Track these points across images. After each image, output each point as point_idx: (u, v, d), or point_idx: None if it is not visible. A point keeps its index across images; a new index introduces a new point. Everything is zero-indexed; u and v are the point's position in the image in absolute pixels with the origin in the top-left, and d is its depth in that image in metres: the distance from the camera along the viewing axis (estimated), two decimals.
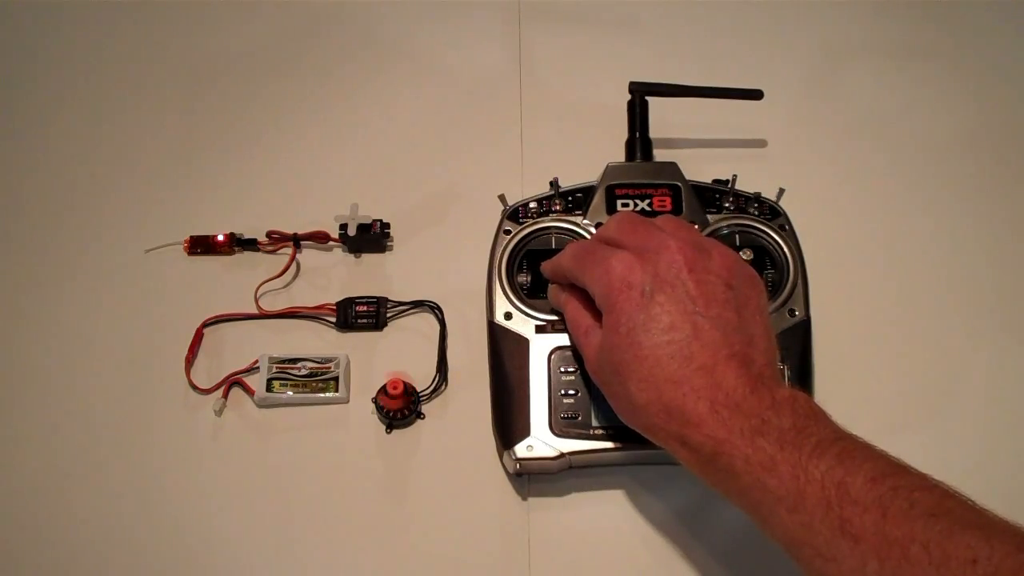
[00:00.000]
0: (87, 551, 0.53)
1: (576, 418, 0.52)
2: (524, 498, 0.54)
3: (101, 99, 0.69)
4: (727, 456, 0.40)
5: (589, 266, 0.47)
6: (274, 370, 0.57)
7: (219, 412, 0.57)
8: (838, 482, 0.37)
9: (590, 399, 0.52)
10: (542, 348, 0.53)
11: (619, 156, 0.62)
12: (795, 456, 0.38)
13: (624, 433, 0.51)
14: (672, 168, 0.59)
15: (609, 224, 0.49)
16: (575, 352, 0.52)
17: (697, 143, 0.66)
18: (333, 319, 0.59)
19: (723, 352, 0.42)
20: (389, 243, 0.62)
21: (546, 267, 0.54)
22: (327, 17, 0.73)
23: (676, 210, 0.57)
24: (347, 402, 0.57)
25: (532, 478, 0.55)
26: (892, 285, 0.61)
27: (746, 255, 0.55)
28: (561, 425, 0.52)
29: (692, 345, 0.42)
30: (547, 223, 0.57)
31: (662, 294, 0.43)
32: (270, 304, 0.60)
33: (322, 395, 0.57)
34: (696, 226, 0.49)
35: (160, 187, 0.65)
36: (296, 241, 0.61)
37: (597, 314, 0.47)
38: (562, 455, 0.51)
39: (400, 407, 0.55)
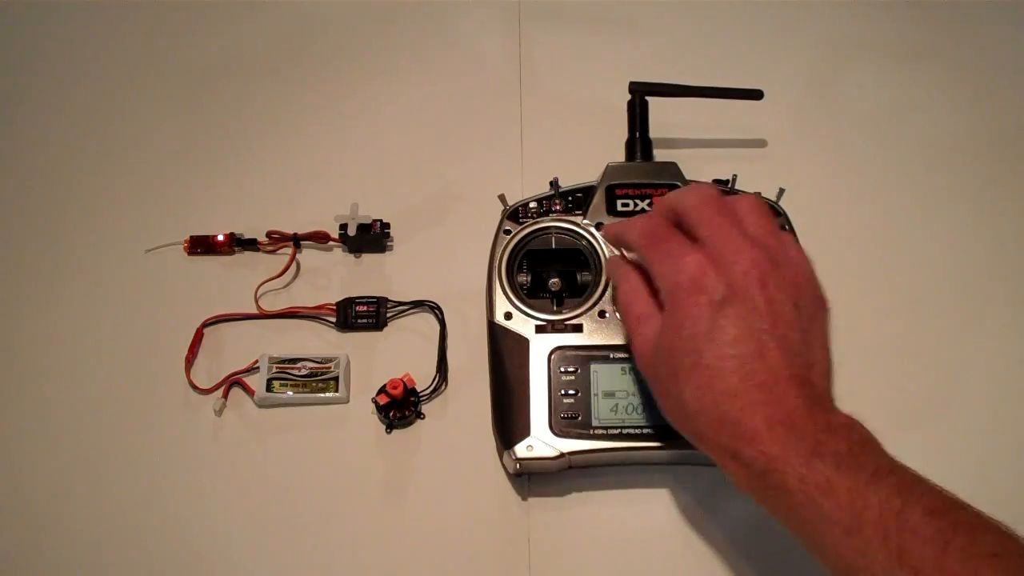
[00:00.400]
0: (87, 551, 0.53)
1: (576, 418, 0.52)
2: (524, 498, 0.54)
3: (101, 99, 0.69)
4: (780, 473, 0.40)
5: (661, 255, 0.46)
6: (274, 370, 0.57)
7: (219, 412, 0.57)
8: (897, 511, 0.37)
9: (589, 396, 0.52)
10: (542, 348, 0.53)
11: (619, 156, 0.62)
12: (852, 481, 0.38)
13: (624, 433, 0.51)
14: (672, 168, 0.59)
15: (689, 197, 0.47)
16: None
17: (697, 143, 0.66)
18: (333, 319, 0.59)
19: (784, 373, 0.42)
20: (389, 243, 0.62)
21: (610, 230, 0.53)
22: (327, 17, 0.73)
23: None
24: (347, 402, 0.57)
25: (532, 478, 0.55)
26: (892, 284, 0.61)
27: None
28: (561, 425, 0.52)
29: (755, 363, 0.42)
30: (547, 223, 0.57)
31: (731, 307, 0.43)
32: (270, 304, 0.60)
33: (322, 395, 0.57)
34: (772, 217, 0.47)
35: (160, 187, 0.65)
36: (296, 241, 0.61)
37: (653, 300, 0.47)
38: (562, 455, 0.51)
39: (399, 407, 0.55)
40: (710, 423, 0.42)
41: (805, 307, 0.44)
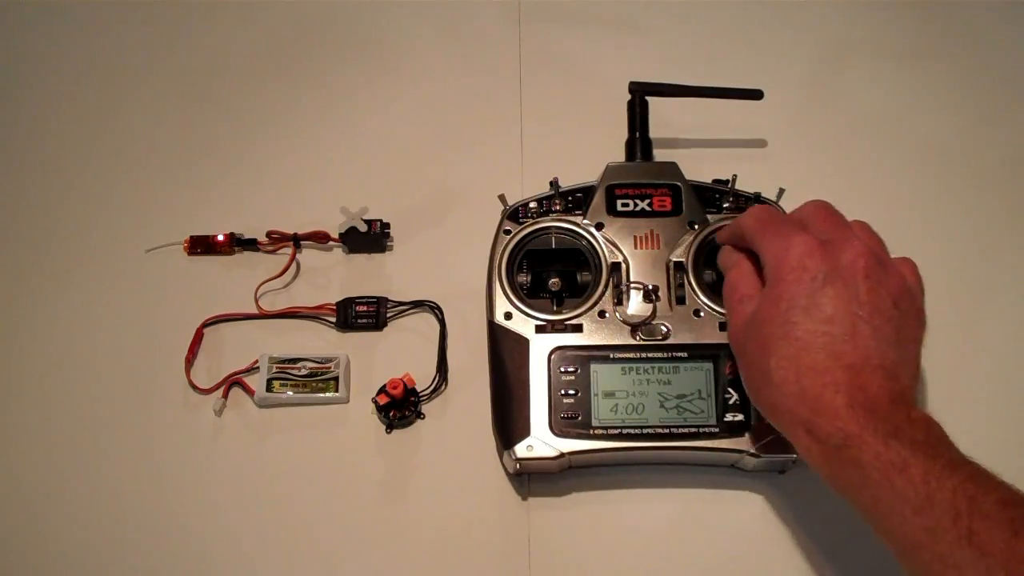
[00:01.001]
0: (87, 551, 0.54)
1: (576, 418, 0.52)
2: (524, 498, 0.54)
3: (101, 99, 0.69)
4: (855, 449, 0.40)
5: (770, 235, 0.47)
6: (274, 370, 0.57)
7: (219, 412, 0.57)
8: (970, 496, 0.37)
9: (589, 396, 0.52)
10: (542, 348, 0.53)
11: (619, 156, 0.62)
12: (928, 463, 0.39)
13: (624, 433, 0.51)
14: (672, 168, 0.59)
15: (804, 206, 0.49)
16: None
17: (697, 143, 0.66)
18: (333, 319, 0.59)
19: (873, 360, 0.42)
20: (389, 243, 0.62)
21: (724, 232, 0.54)
22: (327, 17, 0.73)
23: (676, 210, 0.57)
24: (347, 402, 0.57)
25: (532, 478, 0.55)
26: None
27: None
28: (561, 425, 0.52)
29: (846, 344, 0.43)
30: (547, 223, 0.57)
31: (832, 287, 0.43)
32: (270, 304, 0.60)
33: (322, 395, 0.57)
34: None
35: (160, 187, 0.65)
36: (296, 241, 0.61)
37: (759, 286, 0.48)
38: (562, 455, 0.51)
39: (399, 407, 0.55)
40: (790, 395, 0.43)
41: (905, 312, 0.45)
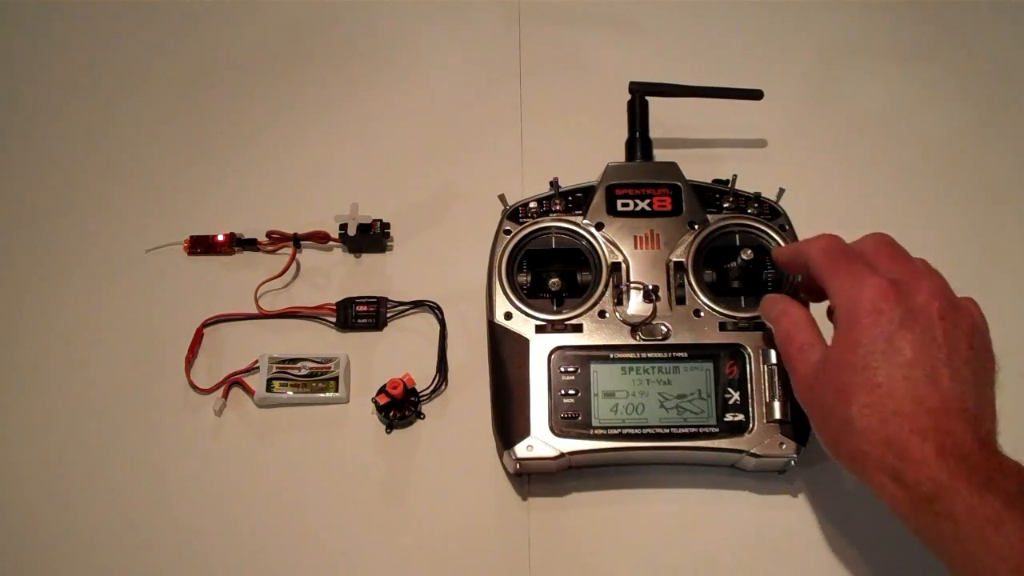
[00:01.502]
0: (87, 551, 0.53)
1: (576, 418, 0.52)
2: (524, 498, 0.54)
3: (101, 99, 0.69)
4: (948, 500, 0.39)
5: (842, 274, 0.46)
6: (274, 370, 0.57)
7: (219, 412, 0.57)
8: None
9: (589, 396, 0.52)
10: (542, 348, 0.53)
11: (619, 156, 0.62)
12: (1023, 520, 0.38)
13: (624, 433, 0.51)
14: (672, 168, 0.59)
15: (866, 240, 0.48)
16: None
17: (697, 143, 0.66)
18: (333, 319, 0.59)
19: (955, 405, 0.41)
20: (389, 243, 0.62)
21: (784, 251, 0.53)
22: (327, 17, 0.73)
23: (676, 210, 0.57)
24: (347, 402, 0.57)
25: (532, 478, 0.55)
26: None
27: (746, 255, 0.55)
28: (561, 425, 0.52)
29: (927, 388, 0.42)
30: (547, 223, 0.57)
31: (909, 330, 0.43)
32: (270, 304, 0.60)
33: (322, 395, 0.57)
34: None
35: (160, 187, 0.65)
36: (296, 241, 0.61)
37: (817, 332, 0.47)
38: (562, 455, 0.51)
39: (399, 407, 0.55)
40: (875, 442, 0.42)
41: (979, 351, 0.44)
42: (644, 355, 0.53)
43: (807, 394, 0.47)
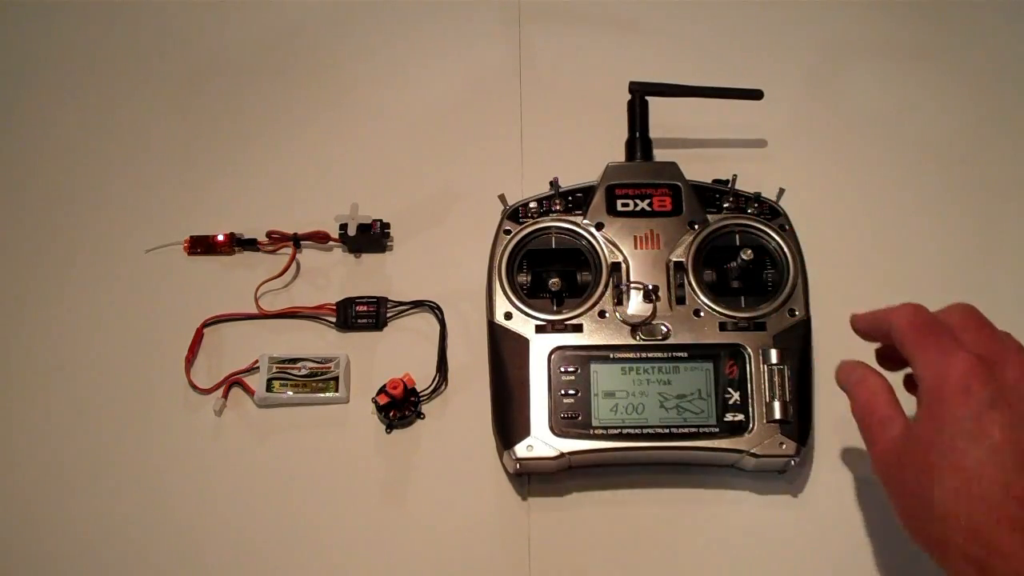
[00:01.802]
0: (87, 551, 0.54)
1: (576, 418, 0.52)
2: (524, 498, 0.54)
3: (100, 99, 0.69)
4: None
5: (930, 346, 0.44)
6: (274, 370, 0.57)
7: (219, 412, 0.57)
8: None
9: (589, 396, 0.52)
10: (542, 348, 0.53)
11: (619, 156, 0.62)
12: None
13: (624, 433, 0.51)
14: (672, 168, 0.59)
15: (952, 310, 0.46)
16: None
17: (697, 143, 0.66)
18: (333, 319, 0.59)
19: None
20: (389, 243, 0.62)
21: (865, 318, 0.50)
22: (326, 17, 0.73)
23: (676, 210, 0.57)
24: (347, 402, 0.57)
25: (532, 478, 0.55)
26: (892, 285, 0.61)
27: (746, 255, 0.55)
28: (561, 425, 0.52)
29: (1017, 474, 0.39)
30: (547, 223, 0.57)
31: (999, 412, 0.40)
32: (270, 304, 0.60)
33: (322, 395, 0.57)
34: None
35: (160, 187, 0.65)
36: (296, 241, 0.61)
37: (897, 405, 0.45)
38: (562, 455, 0.51)
39: (399, 407, 0.55)
40: (960, 530, 0.40)
41: None
42: (644, 355, 0.53)
43: (886, 471, 0.44)
